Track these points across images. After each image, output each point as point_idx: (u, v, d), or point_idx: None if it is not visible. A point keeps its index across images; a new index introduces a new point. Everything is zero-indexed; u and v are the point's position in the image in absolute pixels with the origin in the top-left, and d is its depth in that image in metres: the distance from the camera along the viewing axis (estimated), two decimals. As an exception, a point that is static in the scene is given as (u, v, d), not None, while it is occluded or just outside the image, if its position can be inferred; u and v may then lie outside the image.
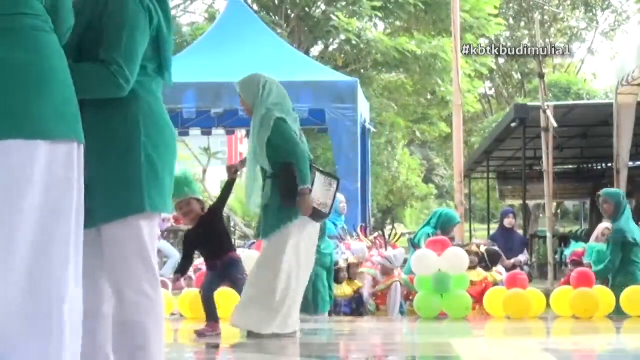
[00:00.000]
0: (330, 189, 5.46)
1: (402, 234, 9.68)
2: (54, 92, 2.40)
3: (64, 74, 2.46)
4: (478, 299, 7.37)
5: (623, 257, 7.33)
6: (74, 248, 2.42)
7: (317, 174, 5.42)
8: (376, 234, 8.69)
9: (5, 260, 2.28)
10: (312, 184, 5.32)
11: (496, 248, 8.92)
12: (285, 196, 5.32)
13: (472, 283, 7.47)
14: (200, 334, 5.62)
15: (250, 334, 5.41)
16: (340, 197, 9.65)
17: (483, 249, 8.28)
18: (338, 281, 7.74)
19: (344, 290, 7.93)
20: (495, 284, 7.59)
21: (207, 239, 5.71)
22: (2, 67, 2.34)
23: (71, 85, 2.47)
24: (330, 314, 7.56)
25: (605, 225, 10.42)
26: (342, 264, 7.88)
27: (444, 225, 8.18)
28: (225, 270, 5.72)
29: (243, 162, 5.81)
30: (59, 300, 2.34)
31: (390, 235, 7.90)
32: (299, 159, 5.28)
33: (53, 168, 2.36)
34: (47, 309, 2.32)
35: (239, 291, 5.85)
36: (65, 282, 2.36)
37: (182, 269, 6.04)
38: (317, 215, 5.37)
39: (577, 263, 8.01)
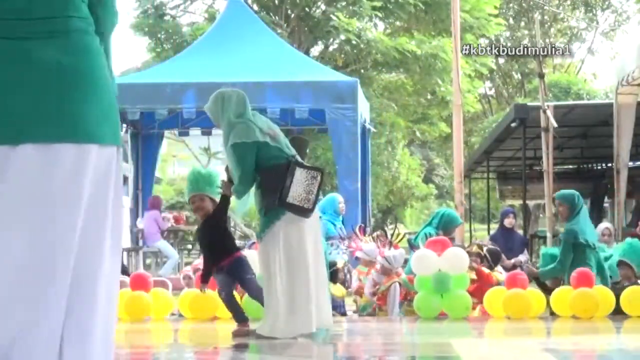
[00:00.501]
0: (314, 182, 5.45)
1: (407, 234, 9.66)
2: (101, 97, 2.44)
3: (107, 77, 2.50)
4: (479, 297, 7.38)
5: (575, 258, 7.27)
6: (109, 249, 2.49)
7: (298, 170, 5.41)
8: (376, 233, 8.68)
9: (66, 254, 2.36)
10: (292, 182, 5.34)
11: (497, 248, 8.92)
12: (266, 197, 5.40)
13: (473, 281, 7.47)
14: (236, 334, 5.64)
15: (260, 336, 5.41)
16: (338, 197, 9.66)
17: (485, 249, 8.29)
18: (335, 281, 7.74)
19: (342, 290, 7.93)
20: (498, 283, 7.58)
21: (210, 242, 5.74)
22: (53, 70, 2.37)
23: (113, 89, 2.52)
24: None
25: (605, 225, 10.43)
26: (340, 265, 7.88)
27: (445, 226, 8.17)
28: (231, 271, 5.72)
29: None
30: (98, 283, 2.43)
31: (393, 235, 7.89)
32: (237, 184, 5.43)
33: (98, 171, 2.43)
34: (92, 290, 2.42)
35: (248, 291, 5.86)
36: (101, 273, 2.44)
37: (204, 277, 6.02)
38: (299, 211, 5.38)
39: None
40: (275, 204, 5.35)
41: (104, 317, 2.45)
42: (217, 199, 5.80)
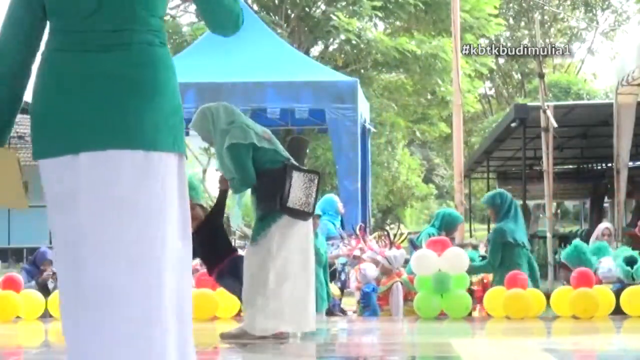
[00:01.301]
0: (312, 185, 5.45)
1: (409, 234, 9.67)
2: (161, 106, 2.47)
3: (174, 87, 2.53)
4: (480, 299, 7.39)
5: (505, 257, 7.29)
6: (177, 261, 2.51)
7: (295, 173, 5.40)
8: (377, 233, 8.68)
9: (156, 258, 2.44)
10: (290, 186, 5.33)
11: None
12: (264, 201, 5.40)
13: (472, 284, 7.48)
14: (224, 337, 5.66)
15: (245, 335, 5.40)
16: (335, 197, 9.67)
17: (482, 250, 8.33)
18: (332, 280, 7.75)
19: (337, 289, 7.95)
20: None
21: (206, 248, 5.73)
22: (113, 81, 2.43)
23: (179, 97, 2.55)
24: (330, 314, 7.57)
25: (605, 225, 10.42)
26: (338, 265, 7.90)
27: (447, 226, 8.17)
28: (233, 271, 5.71)
29: None
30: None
31: (395, 235, 7.89)
32: (239, 185, 5.44)
33: (159, 177, 2.46)
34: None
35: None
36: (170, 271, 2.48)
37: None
38: (300, 215, 5.39)
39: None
40: (274, 209, 5.34)
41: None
42: (202, 203, 5.81)
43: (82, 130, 2.41)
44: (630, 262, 7.27)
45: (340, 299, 8.46)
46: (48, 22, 2.53)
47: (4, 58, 2.55)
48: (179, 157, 2.53)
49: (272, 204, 5.34)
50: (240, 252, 6.04)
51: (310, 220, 5.65)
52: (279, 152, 5.47)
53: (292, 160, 5.52)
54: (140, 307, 2.39)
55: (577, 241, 7.67)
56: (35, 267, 8.95)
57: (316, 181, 5.47)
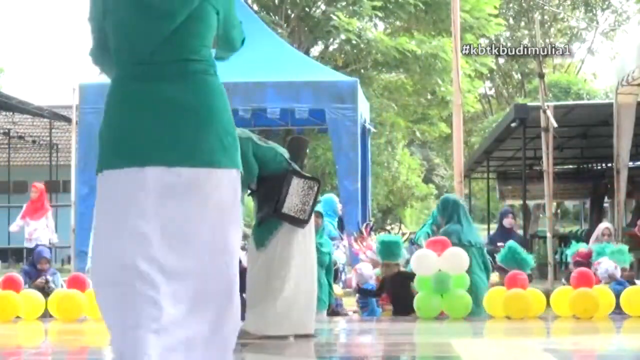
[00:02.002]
0: (310, 192, 5.43)
1: (411, 233, 9.67)
2: (217, 128, 2.83)
3: (226, 111, 2.90)
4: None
5: None
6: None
7: (295, 180, 5.40)
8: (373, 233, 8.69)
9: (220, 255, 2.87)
10: (288, 192, 5.32)
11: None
12: (263, 206, 5.43)
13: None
14: None
15: (246, 335, 5.41)
16: (335, 198, 9.68)
17: None
18: (335, 281, 7.76)
19: (339, 289, 7.96)
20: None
21: None
22: (179, 107, 2.79)
23: (232, 119, 2.93)
24: (335, 314, 7.57)
25: (605, 225, 10.42)
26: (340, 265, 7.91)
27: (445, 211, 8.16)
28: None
29: None
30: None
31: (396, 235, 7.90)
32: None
33: (215, 190, 2.83)
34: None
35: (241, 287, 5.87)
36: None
37: None
38: (294, 222, 5.38)
39: (581, 264, 8.00)
40: (270, 216, 5.35)
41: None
42: None
43: (149, 147, 2.79)
44: None
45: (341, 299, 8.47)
46: (114, 54, 2.91)
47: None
48: (235, 172, 2.89)
49: (268, 210, 5.35)
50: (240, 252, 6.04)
51: (311, 225, 5.66)
52: (279, 153, 5.47)
53: (293, 164, 5.52)
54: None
55: (511, 242, 7.71)
56: (34, 267, 8.95)
57: (316, 189, 5.46)
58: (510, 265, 7.31)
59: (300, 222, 5.41)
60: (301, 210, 5.38)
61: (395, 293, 7.27)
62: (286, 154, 5.58)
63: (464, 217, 7.50)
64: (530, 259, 7.50)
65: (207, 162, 2.81)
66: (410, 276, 7.16)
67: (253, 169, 5.34)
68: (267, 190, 5.37)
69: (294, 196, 5.35)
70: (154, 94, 2.81)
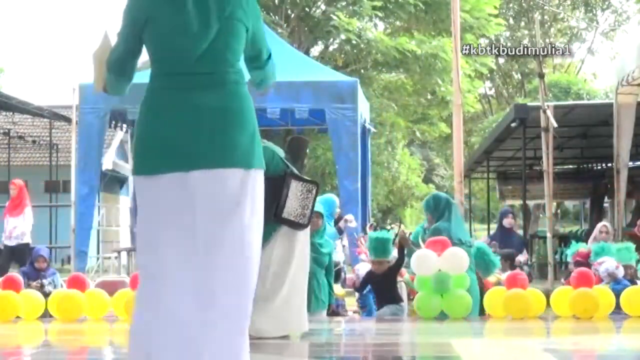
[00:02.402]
0: (309, 195, 5.42)
1: (410, 234, 9.68)
2: (248, 131, 3.13)
3: (254, 117, 3.19)
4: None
5: None
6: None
7: (294, 183, 5.39)
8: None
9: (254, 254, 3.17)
10: (287, 196, 5.31)
11: (510, 250, 9.04)
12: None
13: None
14: None
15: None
16: (336, 200, 9.68)
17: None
18: (337, 281, 7.76)
19: (341, 290, 7.96)
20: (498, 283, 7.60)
21: None
22: (214, 113, 3.08)
23: (255, 124, 3.19)
24: (335, 314, 7.57)
25: (602, 223, 10.43)
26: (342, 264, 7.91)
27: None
28: None
29: None
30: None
31: (396, 235, 7.89)
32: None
33: (256, 187, 3.17)
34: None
35: None
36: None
37: None
38: (294, 226, 5.38)
39: (581, 264, 8.00)
40: (270, 220, 5.35)
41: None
42: None
43: (192, 152, 3.05)
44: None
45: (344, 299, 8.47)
46: (152, 66, 3.21)
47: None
48: (262, 172, 3.20)
49: (268, 213, 5.34)
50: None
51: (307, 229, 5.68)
52: (276, 154, 5.46)
53: (290, 165, 5.51)
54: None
55: (480, 243, 7.74)
56: (33, 268, 8.95)
57: (314, 192, 5.45)
58: (477, 266, 7.33)
59: (300, 227, 5.41)
60: (301, 214, 5.38)
61: (378, 287, 7.23)
62: (282, 154, 5.57)
63: (454, 215, 7.52)
64: (497, 262, 7.53)
65: (243, 163, 3.10)
66: (396, 266, 7.19)
67: None
68: (265, 194, 5.36)
69: (294, 200, 5.34)
70: (194, 103, 3.08)
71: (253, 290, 3.14)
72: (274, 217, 5.29)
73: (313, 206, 5.49)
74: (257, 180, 3.16)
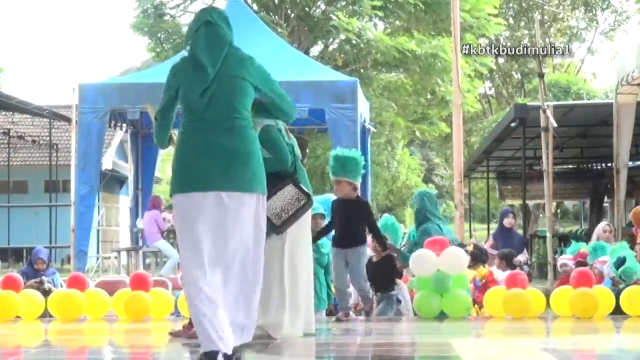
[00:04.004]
0: (296, 203, 5.38)
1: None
2: (253, 164, 4.31)
3: (259, 153, 4.38)
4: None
5: None
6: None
7: (289, 187, 5.40)
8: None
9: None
10: (275, 194, 5.26)
11: (511, 251, 9.06)
12: None
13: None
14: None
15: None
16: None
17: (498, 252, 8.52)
18: None
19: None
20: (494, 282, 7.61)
21: None
22: (229, 151, 4.25)
23: (260, 158, 4.38)
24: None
25: (606, 223, 10.42)
26: None
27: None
28: None
29: None
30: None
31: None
32: (285, 162, 5.49)
33: (252, 208, 4.33)
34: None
35: None
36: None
37: None
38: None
39: (582, 264, 8.00)
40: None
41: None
42: None
43: (210, 179, 4.22)
44: (621, 264, 7.27)
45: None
46: (183, 113, 4.42)
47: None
48: (263, 196, 4.37)
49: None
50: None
51: (308, 223, 5.67)
52: (294, 153, 5.52)
53: (299, 169, 5.56)
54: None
55: (386, 216, 7.73)
56: (32, 268, 8.94)
57: (302, 203, 5.41)
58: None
59: (272, 227, 5.23)
60: (277, 215, 5.31)
61: (374, 275, 7.18)
62: (298, 154, 5.59)
63: (439, 213, 7.58)
64: (407, 257, 7.43)
65: (248, 188, 4.27)
66: (392, 254, 7.19)
67: (287, 155, 5.44)
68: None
69: (279, 200, 5.32)
70: (211, 142, 4.26)
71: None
72: None
73: (294, 216, 5.40)
74: (259, 201, 4.33)
